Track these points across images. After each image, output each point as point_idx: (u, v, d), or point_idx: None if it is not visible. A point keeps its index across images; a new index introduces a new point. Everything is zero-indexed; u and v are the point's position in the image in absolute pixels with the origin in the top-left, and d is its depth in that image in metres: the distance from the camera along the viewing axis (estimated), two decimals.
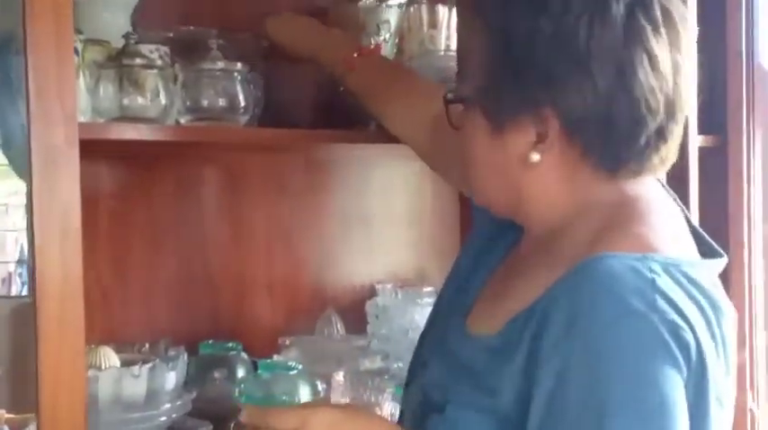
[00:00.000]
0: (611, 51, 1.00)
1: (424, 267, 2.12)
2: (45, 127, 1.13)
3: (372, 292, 2.03)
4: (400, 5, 1.84)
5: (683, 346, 0.93)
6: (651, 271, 0.96)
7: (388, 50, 1.83)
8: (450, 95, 1.15)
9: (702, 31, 2.05)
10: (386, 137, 1.66)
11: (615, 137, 1.03)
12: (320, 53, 1.58)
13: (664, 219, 1.07)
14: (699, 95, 2.17)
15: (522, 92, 1.04)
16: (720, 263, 1.10)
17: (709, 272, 1.05)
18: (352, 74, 1.54)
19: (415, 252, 2.12)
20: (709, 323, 0.98)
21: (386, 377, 1.77)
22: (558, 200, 1.08)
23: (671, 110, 1.04)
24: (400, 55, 1.86)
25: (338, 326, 1.84)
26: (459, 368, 1.09)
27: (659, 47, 1.02)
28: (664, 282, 0.95)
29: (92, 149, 1.53)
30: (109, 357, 1.49)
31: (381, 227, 2.07)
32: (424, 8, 1.86)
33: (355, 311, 1.97)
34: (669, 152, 1.07)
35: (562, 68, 1.01)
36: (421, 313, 1.94)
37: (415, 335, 1.92)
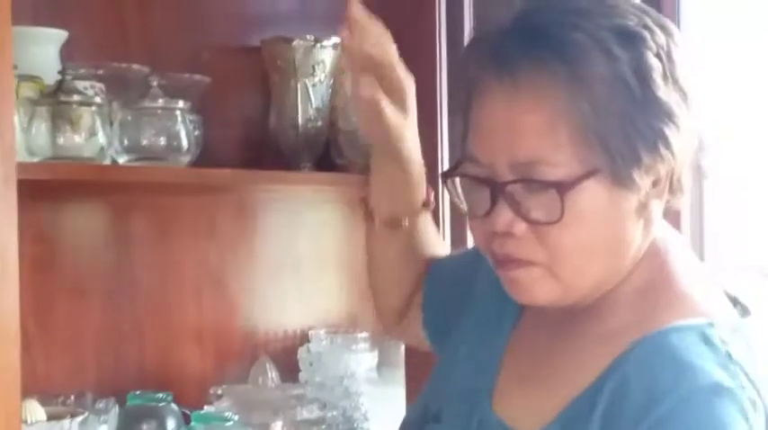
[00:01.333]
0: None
1: (356, 312, 2.07)
2: None
3: (305, 339, 1.98)
4: (335, 45, 1.81)
5: (760, 415, 0.90)
6: (723, 341, 0.91)
7: (323, 91, 1.81)
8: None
9: None
10: (318, 179, 1.63)
11: (687, 172, 0.98)
12: (408, 159, 1.17)
13: (699, 273, 1.02)
14: None
15: (649, 133, 0.93)
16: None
17: (752, 331, 1.00)
18: (423, 215, 1.22)
19: (347, 296, 2.07)
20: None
21: (323, 427, 1.73)
22: (639, 252, 0.98)
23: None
24: (335, 95, 1.84)
25: (273, 373, 1.79)
26: None
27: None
28: (736, 352, 0.91)
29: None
30: (34, 411, 1.41)
31: (312, 271, 2.03)
32: None
33: (288, 358, 1.92)
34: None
35: (674, 101, 0.94)
36: (356, 360, 1.90)
37: (349, 383, 1.90)
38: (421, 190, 1.18)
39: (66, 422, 1.36)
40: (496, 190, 0.94)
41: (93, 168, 1.25)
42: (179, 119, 1.37)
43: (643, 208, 0.96)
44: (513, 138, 0.93)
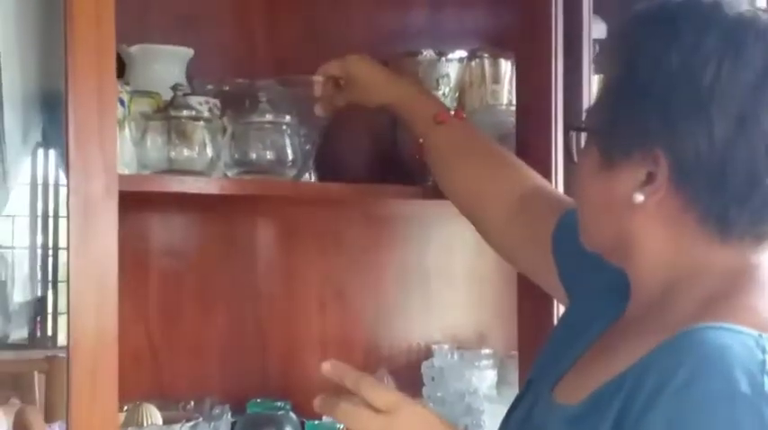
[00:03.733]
0: (736, 97, 0.93)
1: (483, 329, 2.05)
2: (84, 177, 1.12)
3: (429, 353, 1.97)
4: (461, 59, 1.80)
5: None
6: (764, 351, 0.86)
7: (447, 105, 1.80)
8: (575, 125, 1.10)
9: None
10: (440, 193, 1.62)
11: (725, 192, 0.94)
12: (405, 102, 1.51)
13: None
14: None
15: (637, 126, 0.97)
16: None
17: None
18: (441, 130, 1.46)
19: (475, 313, 2.06)
20: None
21: None
22: (663, 255, 0.99)
23: None
24: (460, 110, 1.82)
25: (390, 386, 1.78)
26: None
27: None
28: None
29: (142, 203, 1.53)
30: (151, 415, 1.46)
31: (440, 286, 2.02)
32: (487, 62, 1.82)
33: (410, 372, 1.92)
34: None
35: (680, 107, 0.94)
36: (479, 376, 1.88)
37: (471, 400, 1.88)
38: (426, 112, 1.47)
39: (177, 426, 1.40)
40: None
41: (187, 180, 1.28)
42: (286, 133, 1.39)
43: (631, 197, 0.98)
44: None
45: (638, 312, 1.03)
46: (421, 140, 1.50)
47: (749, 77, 0.93)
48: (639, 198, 0.98)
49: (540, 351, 1.21)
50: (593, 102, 1.07)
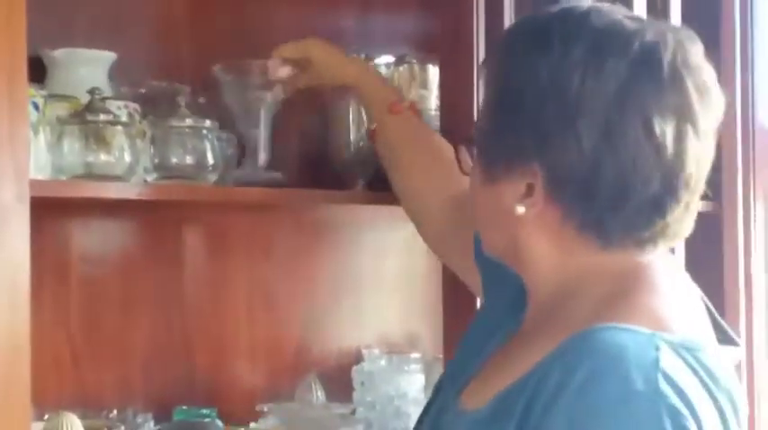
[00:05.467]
0: (600, 109, 0.94)
1: (413, 333, 2.06)
2: None
3: (359, 358, 1.97)
4: (388, 65, 1.81)
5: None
6: (657, 348, 0.88)
7: None
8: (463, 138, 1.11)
9: None
10: (374, 198, 1.62)
11: (598, 203, 0.96)
12: (363, 84, 1.52)
13: (678, 293, 1.00)
14: None
15: (512, 141, 0.99)
16: (736, 352, 1.04)
17: (724, 359, 0.97)
18: (393, 120, 1.48)
19: (405, 317, 2.06)
20: (721, 414, 0.91)
21: None
22: (550, 262, 1.01)
23: (668, 181, 0.95)
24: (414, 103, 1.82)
25: (318, 392, 1.78)
26: None
27: (660, 113, 0.94)
28: (670, 363, 0.88)
29: (63, 209, 1.51)
30: (72, 424, 1.43)
31: (371, 290, 2.02)
32: (415, 67, 1.83)
33: (341, 376, 1.91)
34: (675, 226, 0.98)
35: (551, 121, 0.96)
36: (408, 380, 1.89)
37: (400, 403, 1.88)
38: (383, 99, 1.49)
39: None
40: None
41: (101, 186, 1.26)
42: (207, 137, 1.38)
43: (510, 208, 1.00)
44: None
45: (536, 316, 1.04)
46: (373, 126, 1.52)
47: (612, 88, 0.94)
48: (520, 210, 1.00)
49: (453, 357, 1.22)
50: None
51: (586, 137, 0.94)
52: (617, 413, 0.85)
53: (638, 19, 1.00)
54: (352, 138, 1.79)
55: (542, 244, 1.01)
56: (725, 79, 2.14)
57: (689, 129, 0.96)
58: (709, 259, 2.00)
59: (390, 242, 2.04)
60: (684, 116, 0.96)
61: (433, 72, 1.82)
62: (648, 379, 0.86)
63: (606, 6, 1.00)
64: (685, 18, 1.97)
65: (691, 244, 1.87)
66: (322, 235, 1.97)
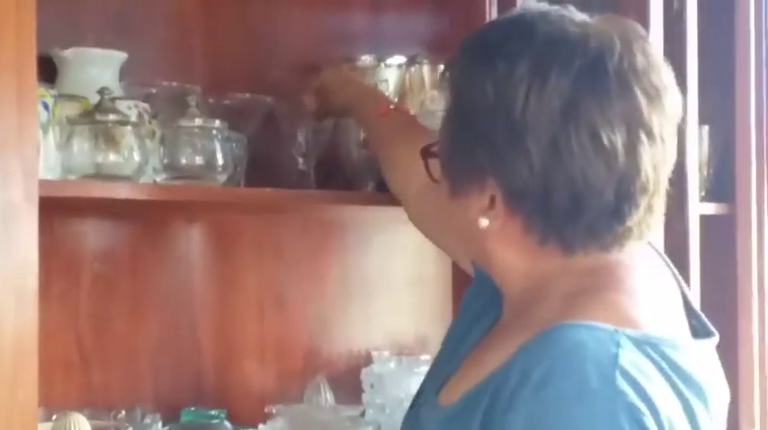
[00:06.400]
0: (545, 125, 0.94)
1: (424, 334, 2.05)
2: (3, 183, 1.09)
3: (369, 359, 1.96)
4: (400, 65, 1.80)
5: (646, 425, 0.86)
6: (618, 345, 0.89)
7: None
8: (430, 149, 1.11)
9: (710, 98, 2.02)
10: (383, 199, 1.61)
11: (555, 215, 0.97)
12: (360, 103, 1.59)
13: (648, 289, 1.00)
14: (709, 163, 2.14)
15: (468, 155, 1.00)
16: (711, 343, 1.03)
17: (696, 353, 0.98)
18: (383, 122, 1.53)
19: (415, 318, 2.05)
20: (688, 410, 0.91)
21: None
22: (517, 269, 1.03)
23: (624, 188, 0.95)
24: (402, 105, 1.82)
25: (327, 394, 1.77)
26: None
27: (608, 123, 0.94)
28: (629, 359, 0.88)
29: (72, 208, 1.51)
30: (79, 424, 1.43)
31: (380, 291, 2.01)
32: (426, 68, 1.82)
33: (350, 378, 1.90)
34: (637, 227, 0.99)
35: (500, 139, 0.96)
36: (418, 382, 1.85)
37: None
38: (370, 108, 1.55)
39: None
40: None
41: (110, 186, 1.26)
42: (216, 138, 1.37)
43: (475, 220, 1.00)
44: None
45: (509, 316, 1.06)
46: (363, 135, 1.61)
47: (556, 104, 0.94)
48: (484, 223, 1.01)
49: (438, 351, 1.23)
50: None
51: (535, 153, 0.95)
52: (573, 410, 0.86)
53: (583, 24, 0.99)
54: (361, 139, 1.78)
55: (508, 253, 1.02)
56: (740, 79, 2.13)
57: (641, 134, 0.95)
58: (722, 260, 2.00)
59: (400, 243, 2.03)
60: (635, 123, 0.95)
61: None
62: (605, 376, 0.86)
63: (555, 12, 1.00)
64: (700, 15, 1.96)
65: (704, 245, 1.88)
66: (332, 236, 1.97)
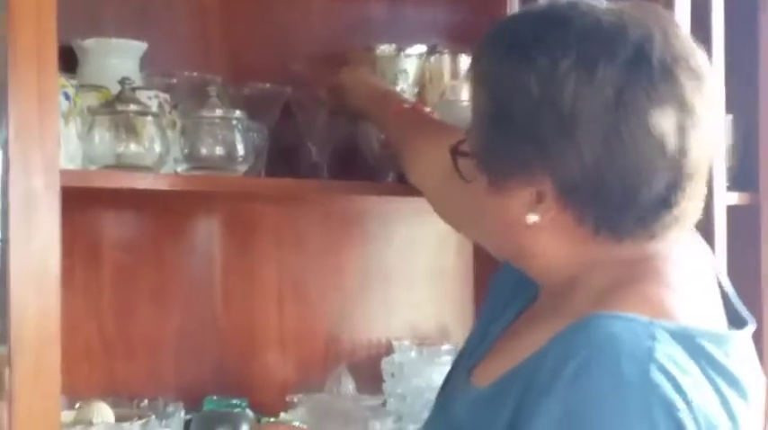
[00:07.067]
0: (597, 117, 0.94)
1: (444, 324, 2.05)
2: (24, 173, 1.10)
3: (390, 349, 1.96)
4: (420, 55, 1.80)
5: (675, 428, 0.85)
6: (653, 337, 0.88)
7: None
8: (459, 147, 1.09)
9: (735, 87, 2.01)
10: (404, 190, 1.61)
11: (607, 205, 0.97)
12: (374, 105, 1.58)
13: (687, 281, 0.99)
14: (733, 152, 2.12)
15: (514, 154, 0.99)
16: (748, 332, 1.02)
17: (734, 345, 0.97)
18: (400, 121, 1.52)
19: (436, 308, 2.05)
20: (725, 404, 0.91)
21: None
22: (559, 260, 1.02)
23: (674, 176, 0.96)
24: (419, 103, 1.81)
25: (348, 383, 1.78)
26: (451, 422, 1.05)
27: (656, 109, 0.94)
28: (665, 352, 0.88)
29: (94, 198, 1.52)
30: (102, 413, 1.44)
31: (401, 282, 2.01)
32: (446, 58, 1.82)
33: (371, 368, 1.91)
34: (682, 215, 0.99)
35: (549, 134, 0.96)
36: (439, 372, 1.87)
37: (431, 396, 1.86)
38: (386, 108, 1.54)
39: (127, 425, 1.39)
40: None
41: (131, 176, 1.26)
42: (236, 128, 1.37)
43: (521, 216, 1.00)
44: None
45: (544, 302, 1.06)
46: (383, 136, 1.59)
47: (605, 95, 0.94)
48: (533, 218, 1.00)
49: (467, 337, 1.23)
50: (469, 125, 1.07)
51: (587, 145, 0.95)
52: (607, 403, 0.85)
53: (615, 13, 0.98)
54: (382, 137, 1.78)
55: (555, 245, 1.02)
56: (764, 69, 2.12)
57: (688, 120, 0.96)
58: (747, 250, 1.98)
59: (421, 234, 2.03)
60: (680, 107, 0.95)
61: (465, 62, 1.80)
62: (640, 369, 0.86)
63: (583, 2, 0.99)
64: (725, 5, 1.95)
65: (729, 235, 1.87)
66: (352, 227, 1.97)
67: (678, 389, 0.86)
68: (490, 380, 1.00)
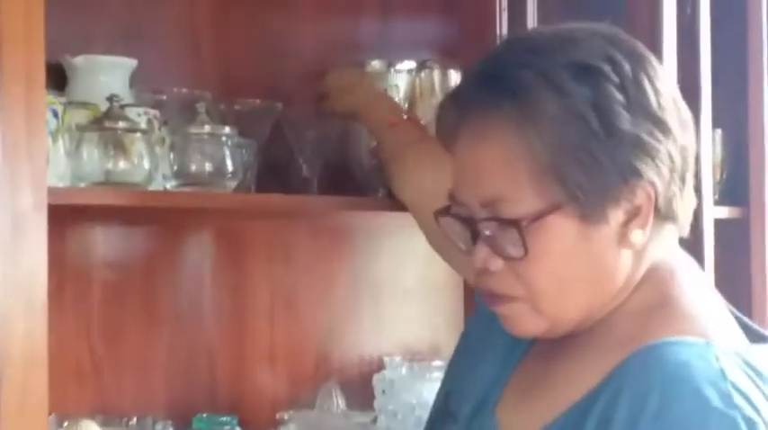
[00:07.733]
0: (672, 107, 0.97)
1: (435, 340, 2.04)
2: (11, 191, 1.09)
3: (381, 365, 1.95)
4: (410, 71, 1.80)
5: None
6: (717, 359, 0.89)
7: None
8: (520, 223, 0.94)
9: (723, 102, 2.02)
10: (394, 205, 1.61)
11: (685, 194, 0.99)
12: (369, 110, 1.57)
13: (703, 297, 1.01)
14: (722, 166, 2.13)
15: (614, 167, 0.93)
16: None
17: (763, 357, 0.98)
18: (393, 132, 1.51)
19: (427, 324, 2.04)
20: None
21: None
22: (632, 278, 0.98)
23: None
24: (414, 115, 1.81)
25: (339, 400, 1.77)
26: None
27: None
28: (733, 373, 0.89)
29: (83, 216, 1.51)
30: None
31: (391, 297, 2.01)
32: (436, 73, 1.82)
33: (362, 384, 1.90)
34: (684, 216, 1.02)
35: (645, 130, 0.94)
36: (430, 388, 1.86)
37: (421, 412, 1.86)
38: (380, 116, 1.53)
39: None
40: (473, 227, 0.96)
41: (120, 193, 1.26)
42: (225, 144, 1.37)
43: (623, 238, 0.95)
44: (477, 176, 0.96)
45: (569, 336, 1.00)
46: (373, 144, 1.58)
47: (671, 85, 0.98)
48: (638, 236, 0.96)
49: (455, 358, 1.21)
50: (507, 190, 0.94)
51: (670, 140, 0.96)
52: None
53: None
54: (371, 147, 1.78)
55: (630, 264, 0.98)
56: (753, 83, 2.12)
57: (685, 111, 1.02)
58: (735, 264, 1.99)
59: (411, 249, 2.02)
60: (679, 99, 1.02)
61: (455, 78, 1.81)
62: (723, 393, 0.87)
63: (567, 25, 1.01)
64: (712, 20, 1.95)
65: (717, 249, 1.87)
66: (342, 242, 1.96)
67: (754, 406, 0.88)
68: (539, 422, 0.96)
